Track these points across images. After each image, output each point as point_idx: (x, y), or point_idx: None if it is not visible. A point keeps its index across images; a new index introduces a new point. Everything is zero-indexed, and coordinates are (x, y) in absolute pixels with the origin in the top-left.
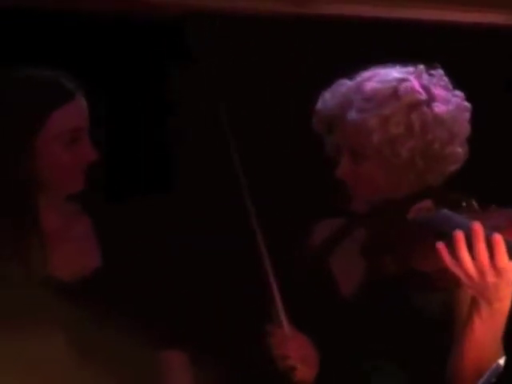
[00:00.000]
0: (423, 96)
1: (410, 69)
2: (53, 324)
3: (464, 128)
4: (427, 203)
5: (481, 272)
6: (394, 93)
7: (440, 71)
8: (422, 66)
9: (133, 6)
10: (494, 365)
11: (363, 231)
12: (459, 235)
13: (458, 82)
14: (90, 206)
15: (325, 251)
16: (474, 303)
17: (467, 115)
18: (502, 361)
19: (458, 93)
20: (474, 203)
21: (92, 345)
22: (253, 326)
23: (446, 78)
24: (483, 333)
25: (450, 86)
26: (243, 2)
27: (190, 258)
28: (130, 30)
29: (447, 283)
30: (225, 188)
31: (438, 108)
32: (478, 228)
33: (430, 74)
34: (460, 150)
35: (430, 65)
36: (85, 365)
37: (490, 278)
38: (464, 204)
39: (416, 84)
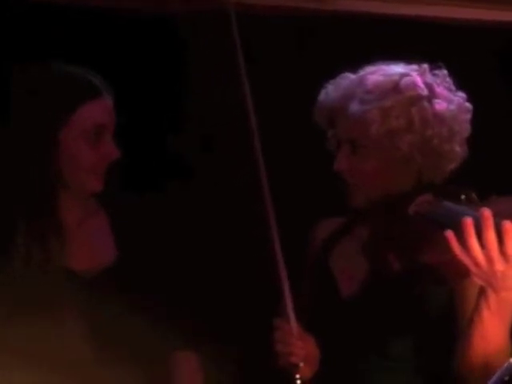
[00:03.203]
0: (424, 92)
1: (414, 67)
2: (68, 316)
3: (464, 128)
4: (427, 197)
5: (489, 260)
6: (395, 86)
7: (444, 72)
8: (425, 65)
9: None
10: (507, 363)
11: (364, 229)
12: (468, 222)
13: (461, 78)
14: (107, 201)
15: (325, 251)
16: (482, 293)
17: (468, 116)
18: None
19: (461, 94)
20: (473, 195)
21: (106, 338)
22: (262, 320)
23: (449, 79)
24: (491, 322)
25: (453, 88)
26: None
27: (202, 253)
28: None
29: (455, 274)
30: (240, 185)
31: (439, 105)
32: (487, 214)
33: (434, 74)
34: (458, 149)
35: (434, 65)
36: (97, 357)
37: (499, 266)
38: (463, 196)
39: (418, 80)
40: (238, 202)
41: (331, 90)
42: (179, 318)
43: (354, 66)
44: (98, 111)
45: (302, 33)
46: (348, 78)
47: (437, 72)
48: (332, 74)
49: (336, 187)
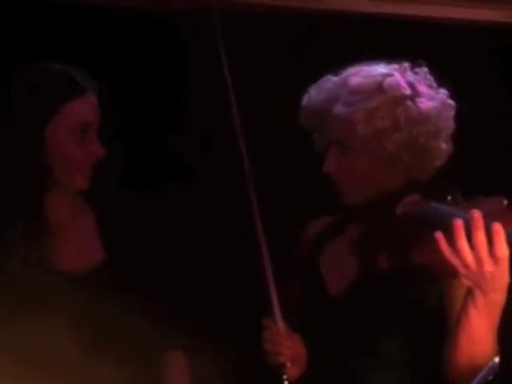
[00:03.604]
0: (407, 91)
1: (395, 66)
2: (54, 315)
3: (448, 124)
4: (414, 197)
5: (478, 261)
6: (379, 87)
7: (424, 69)
8: (406, 64)
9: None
10: (491, 363)
11: (353, 229)
12: (459, 223)
13: (443, 77)
14: (95, 201)
15: (315, 250)
16: (470, 294)
17: (451, 112)
18: (497, 359)
19: (443, 91)
20: (459, 195)
21: (93, 338)
22: (251, 320)
23: (430, 77)
24: (478, 323)
25: (435, 85)
26: None
27: (191, 254)
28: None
29: (445, 274)
30: (228, 186)
31: (423, 103)
32: (477, 216)
33: (415, 72)
34: (444, 146)
35: (414, 63)
36: (85, 356)
37: (488, 267)
38: (450, 197)
39: (401, 79)
40: (234, 203)
41: (314, 94)
42: (170, 318)
43: (347, 65)
44: (84, 109)
45: (288, 32)
46: (330, 81)
47: (417, 70)
48: (325, 73)
49: (326, 189)
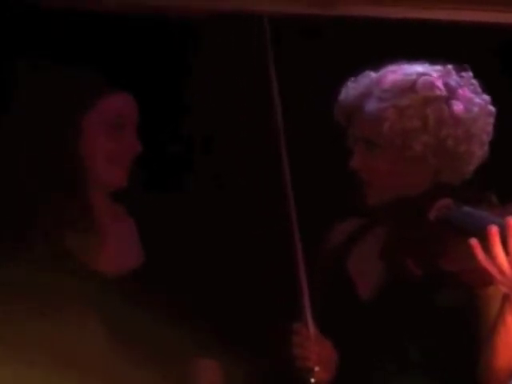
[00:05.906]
0: (442, 92)
1: (438, 67)
2: (91, 316)
3: (485, 131)
4: (446, 201)
5: None
6: (412, 85)
7: (469, 74)
8: (450, 66)
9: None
10: None
11: (381, 232)
12: (494, 230)
13: (484, 80)
14: (135, 207)
15: (342, 253)
16: (506, 300)
17: (491, 119)
18: None
19: (486, 97)
20: (494, 199)
21: (128, 340)
22: (279, 323)
23: (474, 82)
24: None
25: (479, 90)
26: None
27: (223, 257)
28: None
29: (477, 281)
30: (265, 190)
31: (457, 106)
32: None
33: (460, 76)
34: (477, 151)
35: (460, 67)
36: (118, 358)
37: None
38: (484, 200)
39: (437, 80)
40: (269, 204)
41: (351, 88)
42: (202, 322)
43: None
44: (121, 102)
45: (318, 36)
46: (368, 77)
47: (463, 74)
48: (350, 75)
49: (352, 188)
